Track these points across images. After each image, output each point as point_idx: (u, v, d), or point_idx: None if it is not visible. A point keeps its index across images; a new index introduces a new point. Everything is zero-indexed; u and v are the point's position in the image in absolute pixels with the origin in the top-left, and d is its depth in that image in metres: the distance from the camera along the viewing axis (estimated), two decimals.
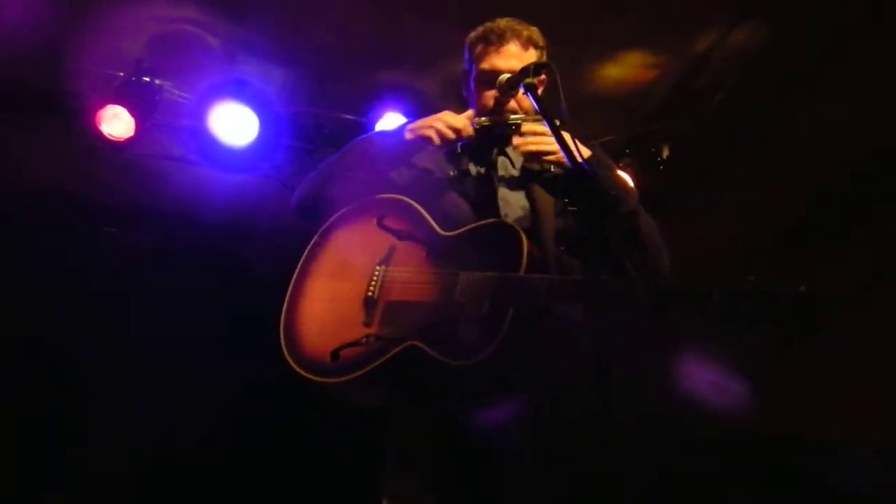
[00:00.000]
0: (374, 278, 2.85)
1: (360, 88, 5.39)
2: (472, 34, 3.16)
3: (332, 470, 6.03)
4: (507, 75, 2.94)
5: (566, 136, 2.64)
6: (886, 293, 5.92)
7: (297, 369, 2.79)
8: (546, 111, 2.62)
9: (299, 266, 3.04)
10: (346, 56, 5.24)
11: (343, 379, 2.71)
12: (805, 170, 5.60)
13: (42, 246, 6.20)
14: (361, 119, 5.46)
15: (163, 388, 5.98)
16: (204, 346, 6.18)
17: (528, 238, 2.70)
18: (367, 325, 2.79)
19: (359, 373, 2.69)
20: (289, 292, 2.98)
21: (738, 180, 5.94)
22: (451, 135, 2.96)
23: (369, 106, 5.37)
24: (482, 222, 2.85)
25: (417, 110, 5.29)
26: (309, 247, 3.07)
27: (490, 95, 3.05)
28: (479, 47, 3.10)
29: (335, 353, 2.75)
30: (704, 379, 6.01)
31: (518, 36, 3.07)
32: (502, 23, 3.10)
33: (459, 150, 3.15)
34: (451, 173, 3.07)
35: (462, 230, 2.85)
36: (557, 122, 2.61)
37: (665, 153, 5.49)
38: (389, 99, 5.31)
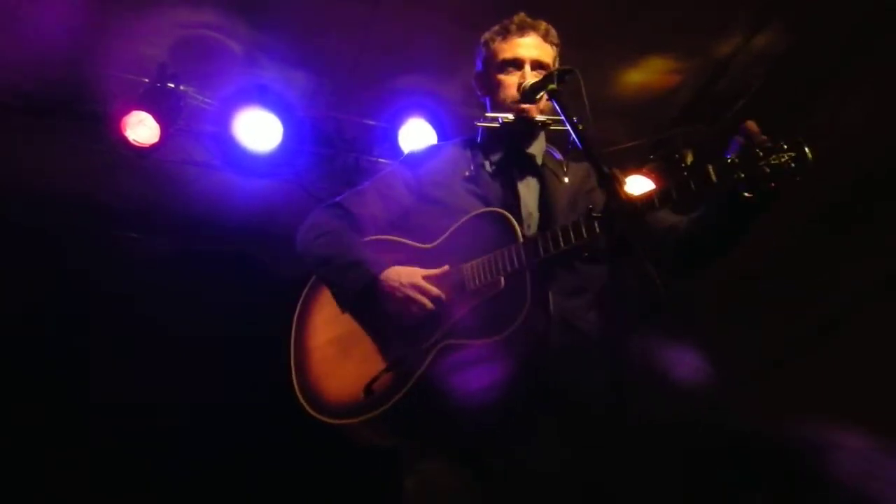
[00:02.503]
0: None
1: (382, 94, 5.39)
2: (487, 33, 3.19)
3: (349, 469, 6.01)
4: (531, 81, 2.94)
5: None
6: (890, 305, 5.91)
7: (325, 419, 2.83)
8: (570, 118, 2.61)
9: (295, 324, 3.07)
10: (368, 61, 5.25)
11: (387, 406, 2.70)
12: (822, 174, 5.57)
13: (66, 250, 6.24)
14: (384, 124, 5.47)
15: (183, 391, 5.99)
16: (225, 351, 6.20)
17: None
18: (386, 352, 2.81)
19: (402, 392, 2.69)
20: (292, 353, 3.02)
21: None
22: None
23: (392, 111, 5.37)
24: (462, 220, 2.88)
25: (439, 115, 5.30)
26: (300, 302, 3.10)
27: (513, 83, 3.04)
28: (498, 40, 3.12)
29: (368, 389, 2.75)
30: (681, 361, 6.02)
31: (537, 29, 3.11)
32: (520, 16, 3.14)
33: (479, 146, 3.16)
34: (467, 173, 3.07)
35: (445, 235, 2.89)
36: (581, 128, 2.61)
37: (689, 159, 5.46)
38: (412, 104, 5.32)
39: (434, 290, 2.75)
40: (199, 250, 6.51)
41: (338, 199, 3.22)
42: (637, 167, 5.60)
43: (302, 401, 2.90)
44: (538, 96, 2.94)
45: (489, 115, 3.12)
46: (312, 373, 2.95)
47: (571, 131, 2.58)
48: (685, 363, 6.07)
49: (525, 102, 3.00)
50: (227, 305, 6.26)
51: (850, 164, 5.45)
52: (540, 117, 3.03)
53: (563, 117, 2.64)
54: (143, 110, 5.14)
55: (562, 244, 2.61)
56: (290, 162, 5.55)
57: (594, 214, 2.55)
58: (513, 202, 2.95)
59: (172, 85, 5.20)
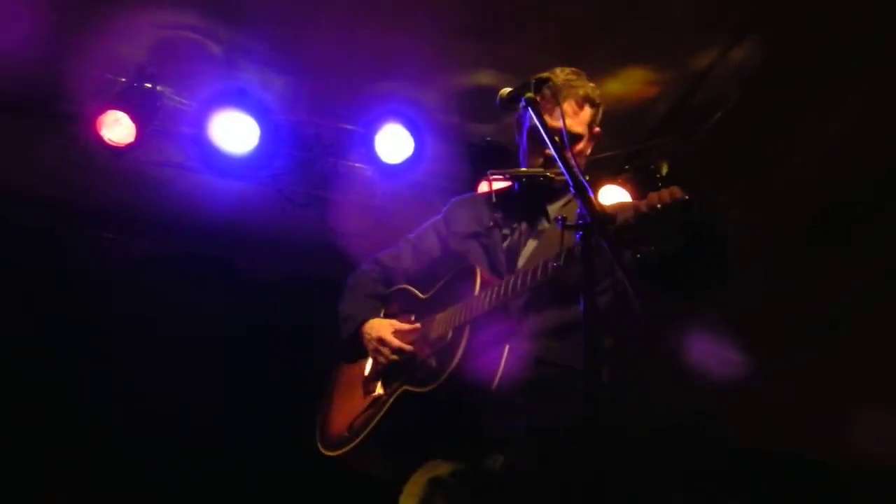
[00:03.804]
0: None
1: (360, 98, 5.39)
2: (535, 79, 3.06)
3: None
4: (509, 89, 2.87)
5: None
6: (890, 305, 5.94)
7: (324, 451, 3.22)
8: (551, 136, 2.54)
9: (335, 368, 3.47)
10: (347, 66, 5.24)
11: (358, 441, 3.05)
12: (806, 184, 5.61)
13: (42, 250, 6.20)
14: (361, 130, 5.46)
15: (159, 392, 5.96)
16: (200, 353, 6.17)
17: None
18: (367, 395, 3.16)
19: (368, 429, 3.03)
20: (325, 392, 3.42)
21: (737, 197, 5.94)
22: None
23: (370, 116, 5.37)
24: (451, 273, 3.10)
25: (417, 122, 5.30)
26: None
27: (538, 156, 3.09)
28: (539, 98, 2.88)
29: (351, 425, 3.13)
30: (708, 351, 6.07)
31: (574, 95, 3.09)
32: (560, 77, 3.08)
33: (503, 199, 3.20)
34: (490, 223, 3.16)
35: (436, 287, 3.14)
36: (557, 140, 2.59)
37: (664, 170, 5.48)
38: (390, 110, 5.31)
39: (395, 342, 3.05)
40: (174, 251, 6.49)
41: (379, 254, 3.49)
42: (612, 177, 5.60)
43: (317, 433, 3.30)
44: (514, 105, 2.88)
45: (497, 172, 3.16)
46: (328, 410, 3.34)
47: (548, 143, 2.54)
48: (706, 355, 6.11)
49: (506, 106, 2.90)
50: (203, 306, 6.23)
51: (851, 164, 5.48)
52: (560, 178, 2.92)
53: (539, 125, 2.59)
54: (119, 110, 5.11)
55: (503, 295, 2.80)
56: (266, 165, 5.54)
57: (554, 262, 2.65)
58: (510, 258, 3.07)
59: (150, 85, 5.18)
